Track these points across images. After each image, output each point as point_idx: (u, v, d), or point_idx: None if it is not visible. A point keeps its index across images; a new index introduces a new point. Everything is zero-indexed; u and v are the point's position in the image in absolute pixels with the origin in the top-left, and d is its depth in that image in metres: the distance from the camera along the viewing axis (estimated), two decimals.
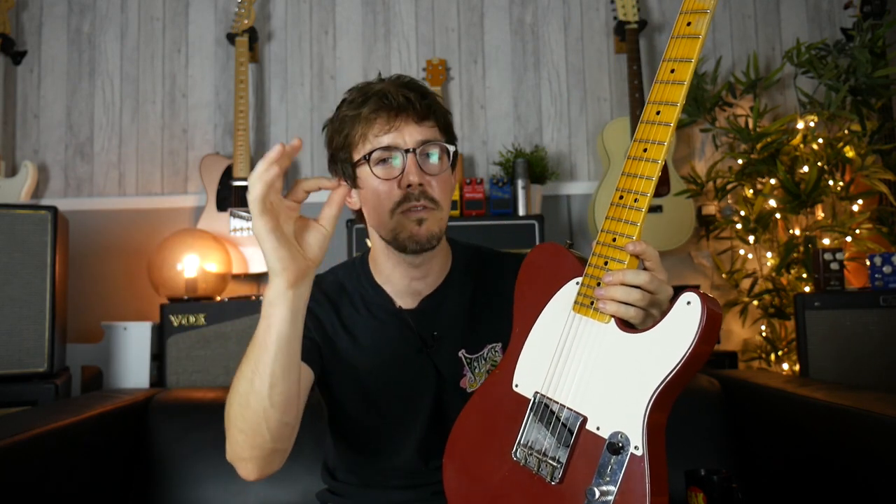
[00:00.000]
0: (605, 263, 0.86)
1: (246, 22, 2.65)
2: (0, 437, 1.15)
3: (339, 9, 2.81)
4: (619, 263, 0.85)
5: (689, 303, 0.78)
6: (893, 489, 1.10)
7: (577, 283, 0.89)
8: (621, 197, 0.86)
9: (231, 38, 2.69)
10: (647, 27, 2.73)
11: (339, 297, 1.16)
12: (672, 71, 0.85)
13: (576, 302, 0.88)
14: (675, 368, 0.78)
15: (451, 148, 1.08)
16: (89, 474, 1.42)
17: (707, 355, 0.80)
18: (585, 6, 2.80)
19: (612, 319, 0.84)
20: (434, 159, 1.06)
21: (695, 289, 0.80)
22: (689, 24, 0.84)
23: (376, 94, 1.04)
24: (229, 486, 1.51)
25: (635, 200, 0.85)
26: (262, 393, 0.89)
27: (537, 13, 2.80)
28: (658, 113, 0.85)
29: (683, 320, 0.78)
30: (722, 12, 2.80)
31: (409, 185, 1.02)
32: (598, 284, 0.85)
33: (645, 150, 0.85)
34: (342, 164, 1.08)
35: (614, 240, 0.86)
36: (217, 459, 1.53)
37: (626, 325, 0.84)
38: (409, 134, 1.03)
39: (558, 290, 0.92)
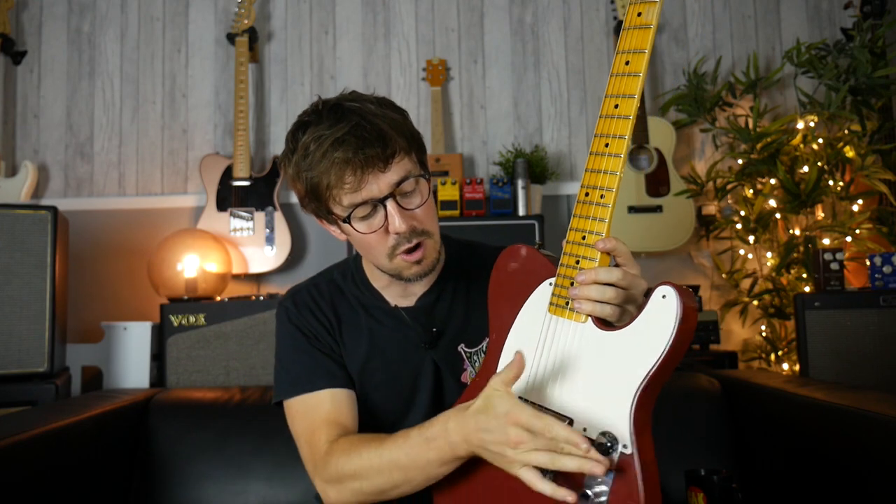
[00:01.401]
0: (577, 262, 0.85)
1: (246, 22, 2.65)
2: (0, 437, 1.15)
3: (339, 9, 2.81)
4: (591, 262, 0.84)
5: (664, 296, 0.78)
6: (893, 489, 1.10)
7: (551, 285, 0.88)
8: (587, 194, 0.85)
9: (231, 38, 2.69)
10: None
11: (337, 299, 1.17)
12: (627, 63, 0.83)
13: (551, 303, 0.87)
14: (657, 362, 0.77)
15: (426, 176, 1.03)
16: (89, 474, 1.42)
17: (686, 346, 0.79)
18: (585, 6, 2.80)
19: (589, 318, 0.83)
20: (413, 195, 1.02)
21: (669, 282, 0.79)
22: (639, 14, 0.83)
23: (333, 147, 0.95)
24: (229, 485, 1.51)
25: (601, 197, 0.83)
26: (398, 490, 0.96)
27: (537, 13, 2.80)
28: (616, 106, 0.83)
29: (661, 314, 0.78)
30: (722, 12, 2.79)
31: (397, 233, 1.00)
32: (572, 284, 0.84)
33: (606, 144, 0.84)
34: (314, 204, 1.03)
35: (584, 238, 0.84)
36: (217, 459, 1.54)
37: (603, 324, 0.83)
38: (381, 181, 0.97)
39: (531, 292, 0.91)
